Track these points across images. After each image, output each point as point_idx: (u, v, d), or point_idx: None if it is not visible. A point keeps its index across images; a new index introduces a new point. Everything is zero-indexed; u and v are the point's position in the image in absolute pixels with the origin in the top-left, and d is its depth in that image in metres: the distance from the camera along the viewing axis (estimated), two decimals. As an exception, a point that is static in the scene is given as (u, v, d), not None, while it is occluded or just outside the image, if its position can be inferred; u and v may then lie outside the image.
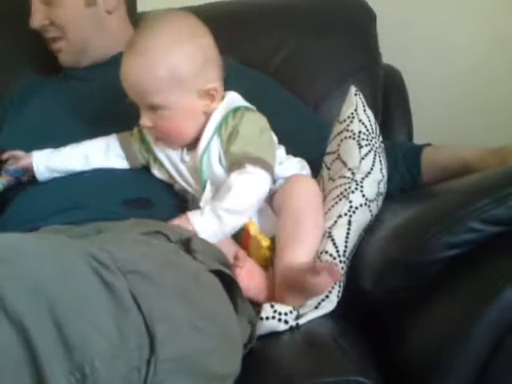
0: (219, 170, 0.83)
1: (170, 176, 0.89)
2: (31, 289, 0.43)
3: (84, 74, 1.03)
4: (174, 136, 0.84)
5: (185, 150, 0.86)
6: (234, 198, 0.78)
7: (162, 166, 0.89)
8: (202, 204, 0.81)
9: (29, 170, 0.92)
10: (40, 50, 1.08)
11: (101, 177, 0.89)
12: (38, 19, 0.97)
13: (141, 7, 1.13)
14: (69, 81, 1.05)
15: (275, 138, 0.88)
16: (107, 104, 0.95)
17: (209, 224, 0.77)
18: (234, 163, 0.80)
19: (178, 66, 0.79)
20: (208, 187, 0.83)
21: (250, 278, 0.73)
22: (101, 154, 0.91)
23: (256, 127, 0.83)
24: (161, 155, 0.88)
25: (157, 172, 0.91)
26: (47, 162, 0.91)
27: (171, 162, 0.88)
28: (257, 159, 0.79)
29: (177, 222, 0.77)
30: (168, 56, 0.79)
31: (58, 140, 0.93)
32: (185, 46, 0.80)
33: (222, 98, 0.86)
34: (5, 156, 0.93)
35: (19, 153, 0.93)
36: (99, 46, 1.02)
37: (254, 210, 0.82)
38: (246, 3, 1.20)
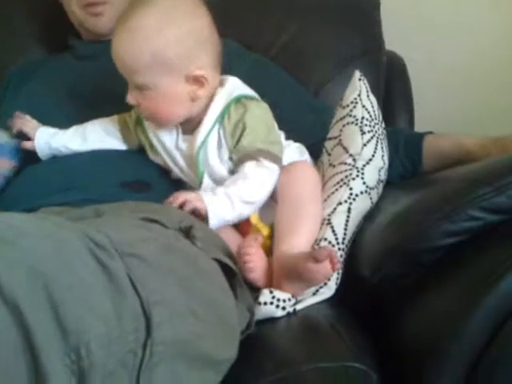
0: (216, 162, 0.82)
1: (166, 163, 0.88)
2: (28, 270, 0.43)
3: (95, 50, 1.02)
4: (159, 118, 0.82)
5: (180, 135, 0.84)
6: (251, 189, 0.77)
7: (157, 153, 0.88)
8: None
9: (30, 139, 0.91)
10: (40, 30, 1.07)
11: (100, 159, 0.89)
12: None
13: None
14: (69, 59, 1.04)
15: (276, 125, 0.87)
16: (108, 84, 0.94)
17: (220, 205, 0.75)
18: (247, 156, 0.79)
19: (165, 49, 0.76)
20: (206, 178, 0.82)
21: (256, 262, 0.73)
22: (99, 134, 0.91)
23: (262, 120, 0.82)
24: (156, 143, 0.86)
25: (153, 158, 0.90)
26: (48, 139, 0.91)
27: (165, 149, 0.86)
28: (268, 153, 0.79)
29: (187, 196, 0.75)
30: (157, 37, 0.76)
31: (57, 121, 0.93)
32: (176, 28, 0.77)
33: (222, 83, 0.84)
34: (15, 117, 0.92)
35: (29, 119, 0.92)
36: None
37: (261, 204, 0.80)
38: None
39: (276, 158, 0.80)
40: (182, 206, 0.74)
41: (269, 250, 0.79)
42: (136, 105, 0.82)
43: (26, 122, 0.93)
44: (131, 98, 0.81)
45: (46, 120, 0.93)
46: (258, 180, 0.78)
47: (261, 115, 0.82)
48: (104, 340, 0.44)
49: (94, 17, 0.99)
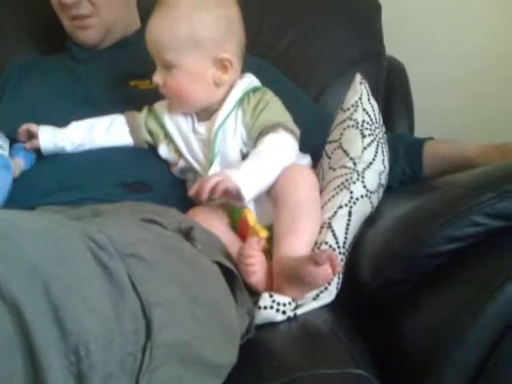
0: (232, 144, 0.85)
1: (177, 152, 0.90)
2: (27, 268, 0.42)
3: (91, 54, 1.02)
4: (183, 97, 0.85)
5: (195, 120, 0.87)
6: (274, 158, 0.80)
7: (171, 141, 0.90)
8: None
9: (34, 138, 0.90)
10: (40, 30, 1.06)
11: (100, 159, 0.88)
12: None
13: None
14: (67, 61, 1.03)
15: None
16: (106, 87, 0.94)
17: (249, 179, 0.76)
18: (267, 129, 0.82)
19: (200, 28, 0.81)
20: (216, 163, 0.84)
21: (256, 265, 0.72)
22: (105, 126, 0.91)
23: (279, 102, 0.87)
24: (171, 127, 0.89)
25: (163, 149, 0.91)
26: (53, 135, 0.90)
27: (182, 134, 0.89)
28: (286, 127, 0.83)
29: (216, 178, 0.74)
30: (193, 16, 0.81)
31: (55, 119, 0.92)
32: (212, 11, 0.82)
33: (241, 78, 0.88)
34: (21, 129, 0.91)
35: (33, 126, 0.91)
36: (121, 26, 1.02)
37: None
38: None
39: (294, 132, 0.84)
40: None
41: (268, 253, 0.78)
42: (161, 85, 0.85)
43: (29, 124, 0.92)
44: (157, 78, 0.84)
45: (44, 120, 0.92)
46: (280, 149, 0.81)
47: (278, 100, 0.88)
48: (104, 341, 0.44)
49: (82, 29, 0.99)
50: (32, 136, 0.91)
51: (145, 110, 0.93)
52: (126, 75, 0.97)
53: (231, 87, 0.86)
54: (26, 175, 0.88)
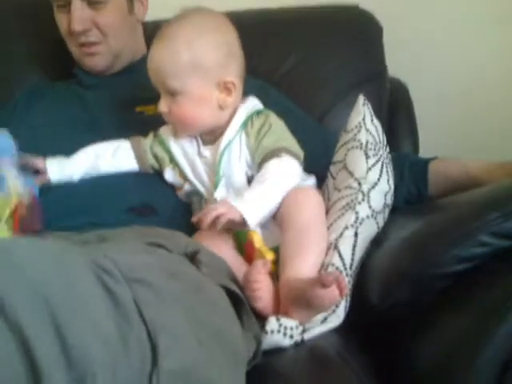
0: (237, 167, 0.85)
1: (182, 175, 0.90)
2: (33, 295, 0.42)
3: (98, 81, 1.03)
4: (189, 123, 0.86)
5: (201, 144, 0.88)
6: (278, 184, 0.80)
7: (176, 165, 0.90)
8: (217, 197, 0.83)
9: (41, 174, 0.91)
10: (48, 56, 1.08)
11: (106, 184, 0.89)
12: (82, 22, 0.96)
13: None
14: (75, 87, 1.04)
15: None
16: (113, 113, 0.95)
17: (253, 207, 0.77)
18: (271, 154, 0.82)
19: (202, 53, 0.82)
20: (221, 187, 0.84)
21: (262, 291, 0.72)
22: (110, 153, 0.92)
23: (283, 125, 0.88)
24: (177, 151, 0.90)
25: (169, 173, 0.91)
26: (60, 165, 0.91)
27: (187, 158, 0.89)
28: (290, 151, 0.83)
29: (219, 210, 0.75)
30: (194, 42, 0.82)
31: (62, 145, 0.92)
32: (212, 36, 0.83)
33: (244, 101, 0.88)
34: (22, 162, 0.92)
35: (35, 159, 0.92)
36: (129, 53, 1.04)
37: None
38: (252, 13, 1.20)
39: (297, 156, 0.84)
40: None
41: (274, 275, 0.78)
42: (167, 112, 0.85)
43: (34, 159, 0.92)
44: (163, 105, 0.85)
45: (51, 148, 0.93)
46: (283, 174, 0.82)
47: (281, 123, 0.88)
48: (110, 368, 0.43)
49: (90, 56, 1.01)
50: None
51: (150, 136, 0.94)
52: (132, 101, 0.98)
53: (235, 110, 0.87)
54: None
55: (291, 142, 0.86)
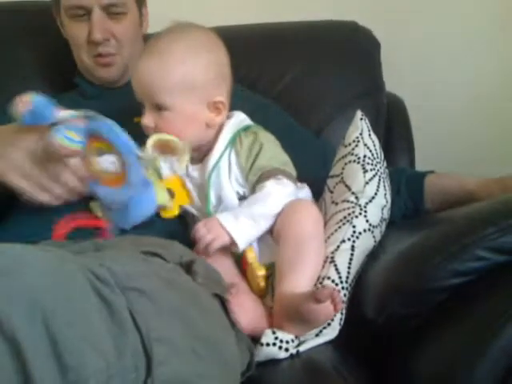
0: (228, 187, 0.83)
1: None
2: (28, 302, 0.42)
3: (98, 91, 1.03)
4: None
5: (189, 164, 0.86)
6: (273, 205, 0.79)
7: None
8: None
9: None
10: (49, 67, 1.08)
11: None
12: (102, 32, 0.97)
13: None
14: (78, 98, 1.05)
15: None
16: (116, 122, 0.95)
17: (244, 229, 0.77)
18: (266, 174, 0.81)
19: (194, 73, 0.81)
20: (212, 205, 0.83)
21: (242, 312, 0.70)
22: None
23: (274, 142, 0.86)
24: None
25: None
26: None
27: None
28: (284, 172, 0.82)
29: (208, 237, 0.76)
30: (186, 61, 0.81)
31: None
32: (205, 55, 0.82)
33: (229, 117, 0.87)
34: None
35: None
36: (133, 63, 1.02)
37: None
38: (252, 28, 1.21)
39: (291, 176, 0.83)
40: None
41: (264, 291, 0.78)
42: (152, 127, 0.83)
43: None
44: (149, 120, 0.82)
45: None
46: (279, 197, 0.80)
47: (272, 139, 0.86)
48: (103, 376, 0.43)
49: (104, 67, 1.01)
50: None
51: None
52: (130, 111, 0.99)
53: (221, 127, 0.85)
54: (30, 210, 0.88)
55: (283, 159, 0.85)
